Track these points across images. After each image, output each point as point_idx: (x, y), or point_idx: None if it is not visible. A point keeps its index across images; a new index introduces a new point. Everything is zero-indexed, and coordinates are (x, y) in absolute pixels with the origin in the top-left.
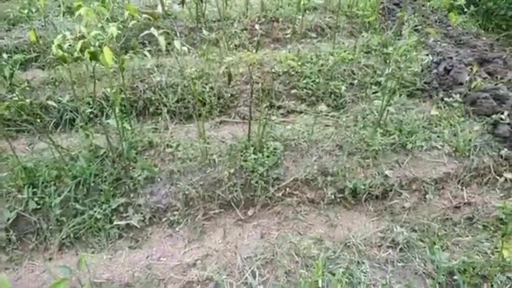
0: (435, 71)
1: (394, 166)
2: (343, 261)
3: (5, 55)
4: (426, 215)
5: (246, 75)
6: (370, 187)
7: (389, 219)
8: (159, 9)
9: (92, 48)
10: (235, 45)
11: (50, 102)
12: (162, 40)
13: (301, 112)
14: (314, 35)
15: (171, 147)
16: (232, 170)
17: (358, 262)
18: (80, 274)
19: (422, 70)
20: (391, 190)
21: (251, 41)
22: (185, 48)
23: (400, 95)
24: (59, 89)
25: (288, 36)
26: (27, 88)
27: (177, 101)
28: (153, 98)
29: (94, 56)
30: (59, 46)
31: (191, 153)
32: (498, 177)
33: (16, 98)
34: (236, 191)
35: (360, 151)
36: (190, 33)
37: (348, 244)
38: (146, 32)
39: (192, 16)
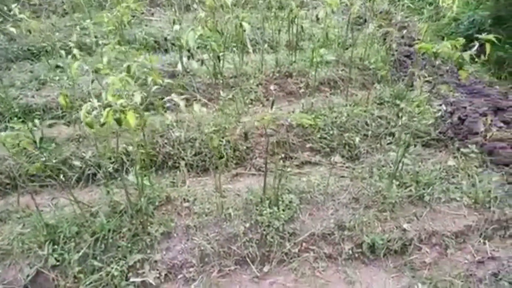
0: (449, 121)
1: (412, 219)
2: None
3: (37, 120)
4: (449, 271)
5: (261, 128)
6: (389, 241)
7: (410, 275)
8: (179, 67)
9: (117, 115)
10: (251, 100)
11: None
12: (182, 105)
13: (316, 164)
14: (327, 88)
15: (188, 201)
16: (247, 225)
17: None
18: None
19: (436, 120)
20: (410, 245)
21: (266, 95)
22: (202, 109)
23: (415, 145)
24: (83, 145)
25: (302, 90)
26: (54, 147)
27: (195, 155)
28: (172, 152)
29: (119, 122)
30: (87, 113)
31: (207, 208)
32: None
33: (44, 158)
34: (251, 246)
35: (376, 204)
36: (208, 89)
37: None
38: (168, 97)
39: (210, 73)
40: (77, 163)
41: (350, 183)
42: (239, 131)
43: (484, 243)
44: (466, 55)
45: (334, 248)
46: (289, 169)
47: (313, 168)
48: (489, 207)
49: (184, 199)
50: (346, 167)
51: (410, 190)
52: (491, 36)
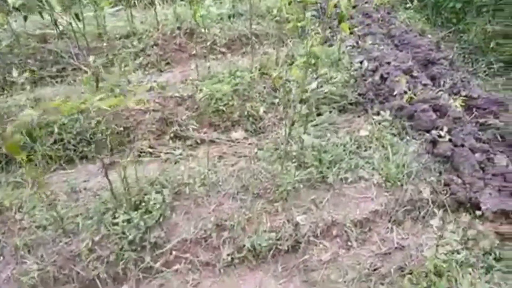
0: (370, 79)
1: (309, 209)
2: None
3: None
4: (348, 269)
5: (143, 103)
6: (278, 239)
7: (301, 279)
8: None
9: None
10: (143, 65)
11: None
12: None
13: (212, 142)
14: (236, 46)
15: (20, 211)
16: (97, 238)
17: None
18: None
19: (356, 80)
20: (304, 241)
21: (164, 58)
22: None
23: (330, 111)
24: None
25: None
26: None
27: (55, 142)
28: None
29: None
30: None
31: (46, 218)
32: (436, 210)
33: None
34: (100, 266)
35: (268, 192)
36: (89, 54)
37: None
38: None
39: (92, 35)
40: None
41: (243, 166)
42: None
43: (392, 230)
44: None
45: (213, 254)
46: (178, 152)
47: (209, 148)
48: (402, 185)
49: (19, 207)
50: (249, 144)
51: (311, 172)
52: None
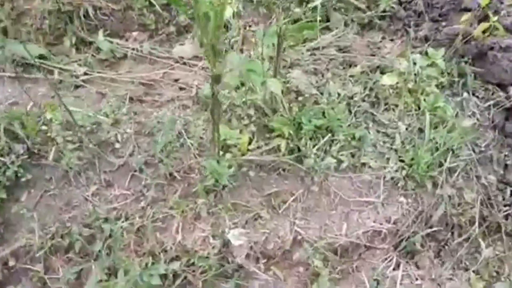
0: None
1: (258, 216)
2: None
3: None
4: None
5: None
6: (189, 270)
7: None
8: None
9: None
10: None
11: None
12: None
13: (143, 57)
14: None
15: None
16: None
17: None
18: None
19: None
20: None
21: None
22: None
23: (346, 24)
24: None
25: None
26: None
27: None
28: None
29: None
30: None
31: None
32: (483, 238)
33: None
34: None
35: (192, 175)
36: None
37: None
38: None
39: None
40: None
41: (168, 115)
42: None
43: (398, 266)
44: None
45: None
46: (82, 70)
47: (131, 70)
48: (436, 185)
49: None
50: (202, 69)
51: (276, 147)
52: None
